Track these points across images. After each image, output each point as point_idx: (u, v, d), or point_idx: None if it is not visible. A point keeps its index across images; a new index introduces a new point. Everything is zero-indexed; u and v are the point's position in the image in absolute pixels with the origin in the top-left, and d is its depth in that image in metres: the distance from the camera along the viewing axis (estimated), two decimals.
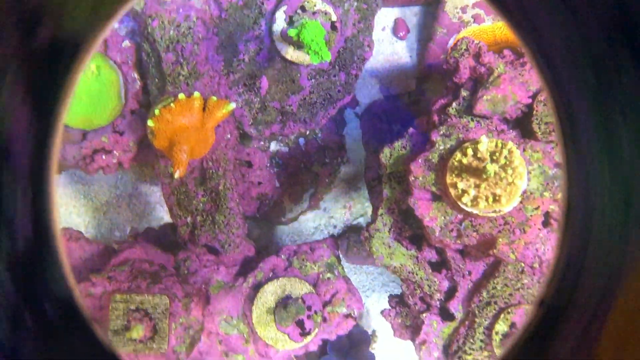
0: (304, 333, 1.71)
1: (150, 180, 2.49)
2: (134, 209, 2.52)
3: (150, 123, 1.54)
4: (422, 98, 2.35)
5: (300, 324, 1.71)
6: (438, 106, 1.71)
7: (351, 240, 2.46)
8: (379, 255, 1.71)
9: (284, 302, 1.71)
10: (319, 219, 2.53)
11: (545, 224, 1.67)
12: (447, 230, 1.56)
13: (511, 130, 1.62)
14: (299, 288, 1.75)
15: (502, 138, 1.55)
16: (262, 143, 2.28)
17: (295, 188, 2.42)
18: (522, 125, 1.65)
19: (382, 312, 1.84)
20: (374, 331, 2.46)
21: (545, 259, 1.65)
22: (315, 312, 1.73)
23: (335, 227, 2.55)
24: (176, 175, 1.49)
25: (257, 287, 1.77)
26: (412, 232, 1.73)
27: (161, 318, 1.44)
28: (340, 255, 1.91)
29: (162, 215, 2.49)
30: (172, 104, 1.53)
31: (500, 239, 1.54)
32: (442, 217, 1.56)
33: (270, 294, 1.74)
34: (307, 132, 2.38)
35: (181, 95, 1.55)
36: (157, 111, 1.53)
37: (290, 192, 2.42)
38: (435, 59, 2.17)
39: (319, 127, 1.96)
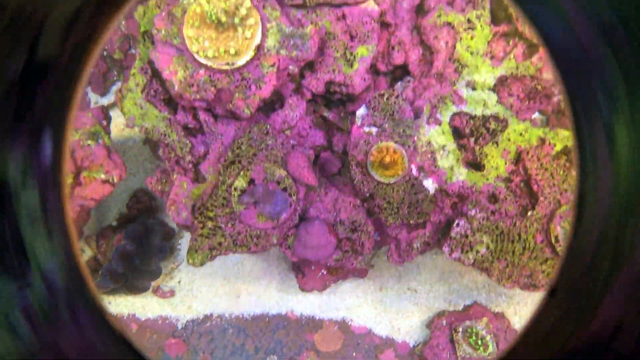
0: None
1: None
2: None
3: None
4: None
5: None
6: None
7: None
8: (130, 117, 1.69)
9: None
10: None
11: (296, 90, 1.73)
12: (187, 84, 1.56)
13: None
14: None
15: None
16: None
17: (97, 76, 2.33)
18: None
19: (145, 181, 1.84)
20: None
21: (293, 124, 1.71)
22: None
23: None
24: None
25: None
26: (169, 95, 1.72)
27: None
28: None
29: None
30: None
31: (236, 94, 1.56)
32: (182, 71, 1.56)
33: None
34: None
35: None
36: None
37: (92, 80, 2.34)
38: None
39: None
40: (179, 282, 2.52)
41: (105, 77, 2.34)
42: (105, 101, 2.40)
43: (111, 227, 2.44)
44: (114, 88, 2.40)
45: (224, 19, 1.47)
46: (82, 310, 0.74)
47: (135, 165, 2.48)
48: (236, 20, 1.49)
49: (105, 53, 2.31)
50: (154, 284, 2.46)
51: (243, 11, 1.48)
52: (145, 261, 2.29)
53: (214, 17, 1.46)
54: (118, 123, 2.49)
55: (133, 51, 2.35)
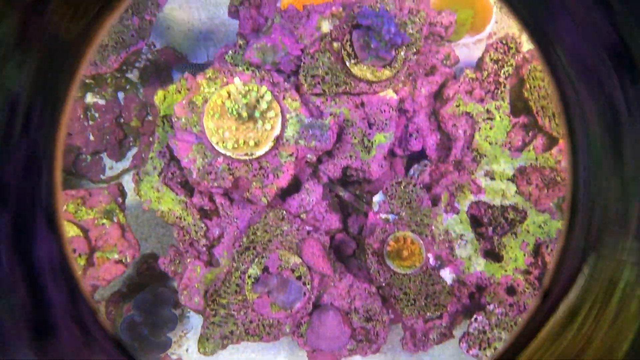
0: None
1: None
2: None
3: None
4: None
5: None
6: (219, 54, 1.72)
7: None
8: (146, 199, 1.69)
9: None
10: None
11: (313, 174, 1.73)
12: (205, 172, 1.56)
13: (283, 82, 1.65)
14: (66, 231, 1.69)
15: (267, 85, 1.57)
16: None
17: (113, 143, 2.35)
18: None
19: (158, 261, 1.82)
20: None
21: (309, 209, 1.70)
22: (80, 255, 1.67)
23: None
24: None
25: None
26: (185, 178, 1.72)
27: None
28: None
29: None
30: None
31: (254, 183, 1.56)
32: (201, 159, 1.56)
33: None
34: (127, 86, 2.32)
35: None
36: None
37: (108, 147, 2.35)
38: None
39: (110, 70, 1.91)
40: (187, 350, 2.47)
41: (121, 144, 2.36)
42: (120, 166, 2.41)
43: (120, 292, 2.42)
44: (130, 154, 2.42)
45: (245, 113, 1.48)
46: (41, 142, 0.70)
47: (147, 229, 2.47)
48: (257, 113, 1.50)
49: (122, 120, 2.33)
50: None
51: (264, 105, 1.49)
52: (155, 332, 2.25)
53: (235, 113, 1.47)
54: (131, 187, 2.49)
55: (150, 118, 2.37)
